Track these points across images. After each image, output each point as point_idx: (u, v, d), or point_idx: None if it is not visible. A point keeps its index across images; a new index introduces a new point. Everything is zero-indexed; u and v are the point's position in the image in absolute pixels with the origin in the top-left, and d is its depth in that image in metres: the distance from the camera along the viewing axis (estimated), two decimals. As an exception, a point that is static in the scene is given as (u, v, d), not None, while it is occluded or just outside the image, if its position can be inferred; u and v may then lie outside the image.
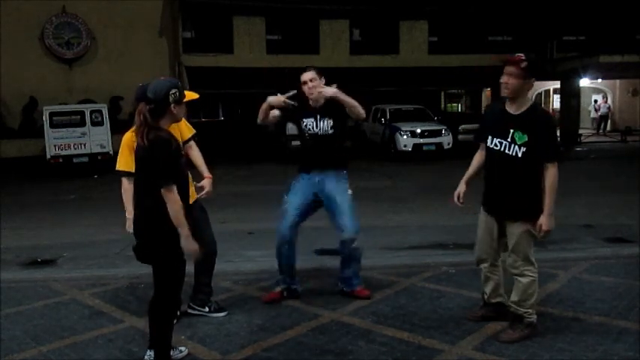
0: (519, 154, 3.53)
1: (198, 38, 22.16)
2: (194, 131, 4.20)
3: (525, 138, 3.50)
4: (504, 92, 3.57)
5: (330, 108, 4.45)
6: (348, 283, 4.64)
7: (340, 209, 4.41)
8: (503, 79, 3.54)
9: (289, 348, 3.69)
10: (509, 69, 3.52)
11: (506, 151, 3.58)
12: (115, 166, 4.06)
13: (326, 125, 4.46)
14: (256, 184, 12.65)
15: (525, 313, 3.66)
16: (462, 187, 3.99)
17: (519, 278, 3.66)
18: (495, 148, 3.64)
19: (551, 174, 3.48)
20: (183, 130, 4.09)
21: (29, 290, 5.04)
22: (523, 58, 3.54)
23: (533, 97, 27.92)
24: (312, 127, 4.50)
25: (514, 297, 3.69)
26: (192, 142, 4.20)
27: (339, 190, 4.46)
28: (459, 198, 3.98)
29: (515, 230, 3.60)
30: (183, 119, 4.06)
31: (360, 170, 14.21)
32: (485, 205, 3.81)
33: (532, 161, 3.50)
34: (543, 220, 3.49)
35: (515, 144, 3.54)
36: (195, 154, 4.22)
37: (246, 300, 4.66)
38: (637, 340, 3.63)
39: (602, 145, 20.57)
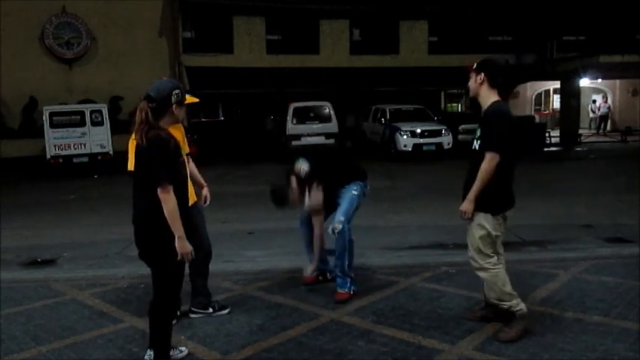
0: (477, 147, 3.70)
1: (198, 38, 22.15)
2: (188, 151, 4.30)
3: (479, 132, 3.71)
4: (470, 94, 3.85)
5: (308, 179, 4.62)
6: (335, 280, 4.72)
7: (339, 204, 4.63)
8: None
9: (289, 348, 3.69)
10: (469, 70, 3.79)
11: (475, 148, 3.75)
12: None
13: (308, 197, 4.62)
14: (256, 184, 12.61)
15: (510, 306, 3.68)
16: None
17: (480, 273, 3.72)
18: (474, 149, 3.80)
19: (483, 162, 3.56)
20: (184, 144, 4.16)
21: (29, 290, 5.05)
22: (472, 63, 3.81)
23: (533, 97, 27.99)
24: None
25: (492, 295, 3.74)
26: (189, 157, 4.27)
27: (345, 190, 4.67)
28: None
29: (469, 224, 3.75)
30: (183, 134, 4.11)
31: (360, 170, 14.19)
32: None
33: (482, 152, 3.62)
34: (463, 203, 3.65)
35: (476, 139, 3.75)
36: (193, 168, 4.33)
37: (246, 300, 4.66)
38: (637, 340, 3.63)
39: (602, 145, 20.56)
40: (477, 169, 3.62)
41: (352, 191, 4.65)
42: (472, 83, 3.78)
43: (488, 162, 3.54)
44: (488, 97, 3.72)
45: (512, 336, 3.64)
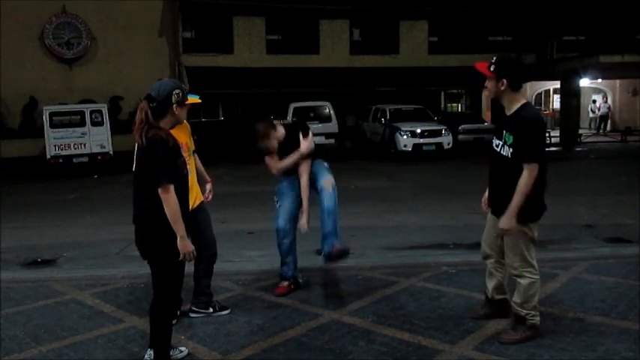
0: (509, 155, 3.55)
1: (198, 38, 22.16)
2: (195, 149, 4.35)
3: (512, 139, 3.53)
4: (486, 94, 3.66)
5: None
6: (326, 242, 4.56)
7: (317, 174, 4.70)
8: (485, 83, 3.67)
9: (289, 348, 3.69)
10: (484, 75, 3.63)
11: (502, 152, 3.62)
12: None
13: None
14: (256, 184, 12.62)
15: (527, 314, 3.66)
16: (487, 193, 3.95)
17: (518, 279, 3.66)
18: (496, 149, 3.68)
19: (524, 175, 3.41)
20: (191, 142, 4.21)
21: (29, 290, 5.05)
22: (492, 61, 3.60)
23: (533, 97, 27.99)
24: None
25: (516, 298, 3.70)
26: (195, 155, 4.34)
27: (316, 167, 4.76)
28: (485, 204, 3.96)
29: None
30: (189, 133, 4.11)
31: (360, 170, 14.21)
32: (489, 203, 3.85)
33: (518, 162, 3.48)
34: (503, 219, 3.49)
35: (507, 145, 3.57)
36: (199, 164, 4.38)
37: (246, 300, 4.66)
38: (637, 340, 3.63)
39: (602, 145, 20.56)
40: (506, 176, 3.51)
41: (324, 164, 4.80)
42: (492, 87, 3.59)
43: (530, 174, 3.39)
44: (514, 100, 3.59)
45: (515, 340, 3.63)
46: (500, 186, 3.61)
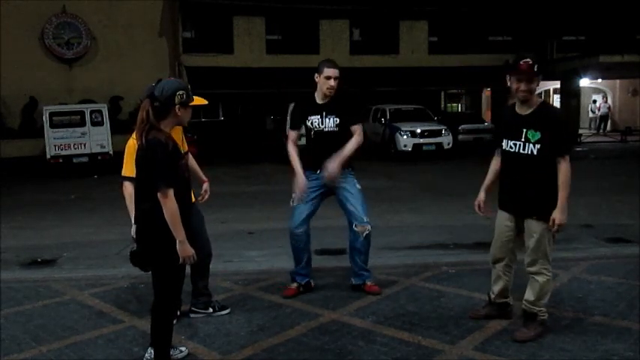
0: (535, 152, 3.57)
1: (198, 38, 22.17)
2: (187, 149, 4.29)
3: (539, 135, 3.55)
4: (523, 97, 3.58)
5: (336, 106, 4.54)
6: (359, 275, 4.69)
7: (351, 201, 4.56)
8: (522, 86, 3.54)
9: (289, 348, 3.68)
10: (526, 75, 3.53)
11: (522, 150, 3.62)
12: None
13: (331, 122, 4.56)
14: (256, 184, 12.64)
15: (539, 311, 3.70)
16: (481, 196, 3.98)
17: (536, 277, 3.67)
18: (511, 150, 3.68)
19: (563, 168, 3.50)
20: (182, 143, 4.16)
21: (29, 290, 5.04)
22: (531, 62, 3.54)
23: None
24: (318, 124, 4.58)
25: (529, 296, 3.72)
26: (188, 154, 4.29)
27: (347, 184, 4.59)
28: (479, 207, 3.98)
29: (536, 228, 3.61)
30: (180, 134, 4.08)
31: (360, 170, 14.18)
32: (503, 205, 3.82)
33: (547, 158, 3.52)
34: (557, 214, 3.50)
35: (530, 142, 3.58)
36: (192, 163, 4.32)
37: (246, 300, 4.65)
38: (637, 340, 3.63)
39: (602, 145, 20.55)
40: (533, 174, 3.56)
41: (356, 184, 4.64)
42: (534, 86, 3.58)
43: (568, 166, 3.48)
44: (535, 98, 3.65)
45: (530, 337, 3.66)
46: (526, 185, 3.62)
